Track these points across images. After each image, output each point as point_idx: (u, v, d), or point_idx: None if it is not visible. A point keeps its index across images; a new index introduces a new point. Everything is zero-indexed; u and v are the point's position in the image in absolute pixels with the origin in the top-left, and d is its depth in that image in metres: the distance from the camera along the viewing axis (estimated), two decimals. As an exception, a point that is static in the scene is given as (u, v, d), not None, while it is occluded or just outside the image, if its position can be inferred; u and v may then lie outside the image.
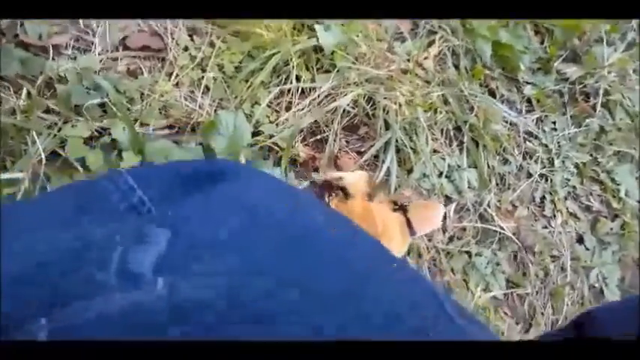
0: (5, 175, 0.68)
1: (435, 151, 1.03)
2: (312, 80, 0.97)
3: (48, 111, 0.76)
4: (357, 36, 1.00)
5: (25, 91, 0.73)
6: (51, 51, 0.79)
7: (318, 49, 0.97)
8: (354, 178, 0.51)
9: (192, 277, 0.30)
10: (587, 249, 1.19)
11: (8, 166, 0.71)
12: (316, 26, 0.96)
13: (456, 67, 1.09)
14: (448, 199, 1.05)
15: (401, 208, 0.55)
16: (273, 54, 0.90)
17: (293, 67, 0.93)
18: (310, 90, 0.96)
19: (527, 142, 1.18)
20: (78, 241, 0.31)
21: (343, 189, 0.50)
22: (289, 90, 0.94)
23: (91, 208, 0.33)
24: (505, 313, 1.08)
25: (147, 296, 0.28)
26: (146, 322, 0.27)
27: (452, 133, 1.07)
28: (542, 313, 1.11)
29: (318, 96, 0.95)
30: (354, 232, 0.39)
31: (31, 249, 0.30)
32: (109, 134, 0.77)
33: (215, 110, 0.87)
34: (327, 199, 0.48)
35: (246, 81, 0.90)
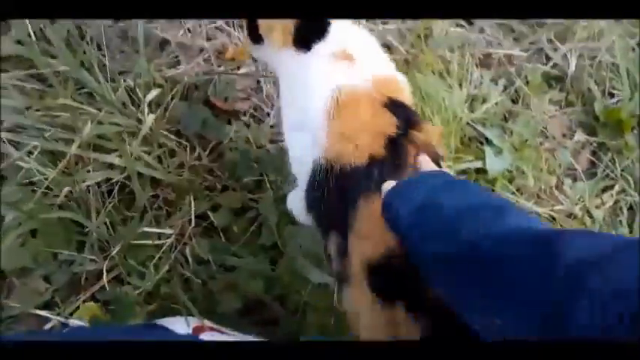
0: (155, 229, 0.72)
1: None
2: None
3: (210, 170, 0.80)
4: (527, 166, 0.92)
5: (197, 152, 0.77)
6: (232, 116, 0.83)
7: (481, 170, 0.91)
8: None
9: None
10: None
11: (162, 216, 0.75)
12: (486, 148, 0.90)
13: (630, 226, 0.96)
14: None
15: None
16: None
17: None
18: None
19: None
20: None
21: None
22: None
23: None
24: None
25: None
26: None
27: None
28: None
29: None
30: None
31: None
32: (256, 209, 0.78)
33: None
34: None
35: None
